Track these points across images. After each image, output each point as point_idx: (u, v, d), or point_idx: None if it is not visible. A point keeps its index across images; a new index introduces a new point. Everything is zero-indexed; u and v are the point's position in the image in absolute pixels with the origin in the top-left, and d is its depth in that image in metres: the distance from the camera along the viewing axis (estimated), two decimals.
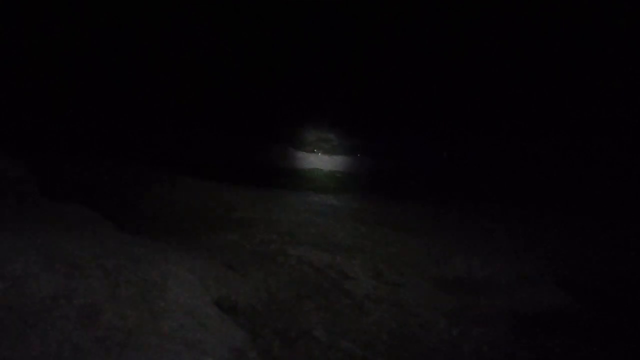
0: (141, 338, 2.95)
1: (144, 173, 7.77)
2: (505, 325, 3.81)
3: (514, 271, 5.01)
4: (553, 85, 12.76)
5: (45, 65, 10.28)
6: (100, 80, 11.02)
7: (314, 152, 12.59)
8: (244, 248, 4.66)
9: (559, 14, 11.50)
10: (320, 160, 11.80)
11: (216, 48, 11.57)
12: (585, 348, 3.62)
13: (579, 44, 12.14)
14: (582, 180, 10.85)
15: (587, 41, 12.07)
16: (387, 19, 11.59)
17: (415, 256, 5.15)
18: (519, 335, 3.72)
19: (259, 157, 11.37)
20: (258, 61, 11.63)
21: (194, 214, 5.71)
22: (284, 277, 4.10)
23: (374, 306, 3.85)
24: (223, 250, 4.44)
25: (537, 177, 11.34)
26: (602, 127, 12.07)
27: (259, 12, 11.23)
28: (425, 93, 12.32)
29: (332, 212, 6.90)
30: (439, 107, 12.49)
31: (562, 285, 4.76)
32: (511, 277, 4.85)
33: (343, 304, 3.83)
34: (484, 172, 11.33)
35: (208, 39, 11.43)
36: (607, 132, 12.01)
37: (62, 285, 3.06)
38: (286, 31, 11.42)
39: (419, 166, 11.55)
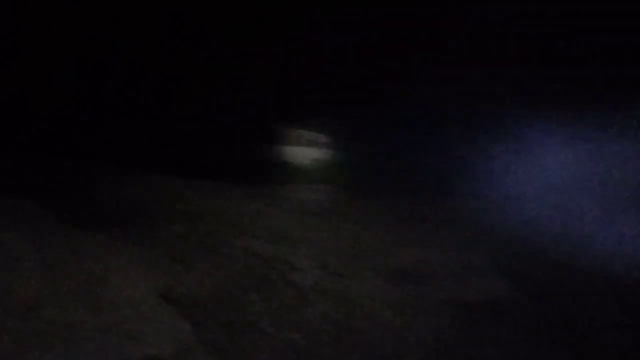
0: (83, 332, 2.97)
1: (109, 171, 7.53)
2: (449, 315, 3.89)
3: (460, 261, 5.08)
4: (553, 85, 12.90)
5: None
6: (73, 79, 10.66)
7: (290, 145, 12.25)
8: (190, 240, 4.69)
9: (559, 13, 11.62)
10: (295, 153, 11.49)
11: (214, 48, 11.38)
12: (526, 334, 3.74)
13: (579, 43, 12.28)
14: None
15: (587, 41, 12.23)
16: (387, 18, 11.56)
17: (365, 248, 5.16)
18: (462, 324, 3.79)
19: (232, 153, 11.08)
20: (253, 61, 11.47)
21: (143, 208, 5.67)
22: (230, 269, 4.14)
23: (320, 297, 3.90)
24: (168, 243, 4.46)
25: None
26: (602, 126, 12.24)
27: (258, 12, 11.11)
28: (423, 93, 12.32)
29: (284, 204, 6.81)
30: (437, 108, 12.52)
31: (506, 275, 4.88)
32: (457, 267, 4.90)
33: (289, 296, 3.88)
34: (476, 169, 11.34)
35: (204, 37, 11.23)
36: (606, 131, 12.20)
37: (1, 279, 3.03)
38: (285, 31, 11.31)
39: (406, 163, 11.47)
